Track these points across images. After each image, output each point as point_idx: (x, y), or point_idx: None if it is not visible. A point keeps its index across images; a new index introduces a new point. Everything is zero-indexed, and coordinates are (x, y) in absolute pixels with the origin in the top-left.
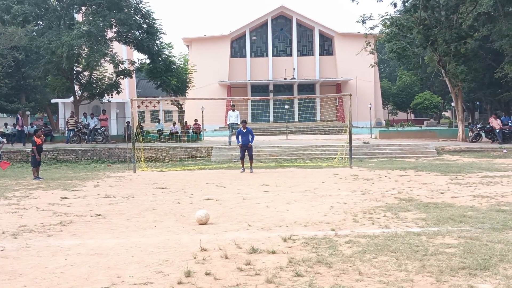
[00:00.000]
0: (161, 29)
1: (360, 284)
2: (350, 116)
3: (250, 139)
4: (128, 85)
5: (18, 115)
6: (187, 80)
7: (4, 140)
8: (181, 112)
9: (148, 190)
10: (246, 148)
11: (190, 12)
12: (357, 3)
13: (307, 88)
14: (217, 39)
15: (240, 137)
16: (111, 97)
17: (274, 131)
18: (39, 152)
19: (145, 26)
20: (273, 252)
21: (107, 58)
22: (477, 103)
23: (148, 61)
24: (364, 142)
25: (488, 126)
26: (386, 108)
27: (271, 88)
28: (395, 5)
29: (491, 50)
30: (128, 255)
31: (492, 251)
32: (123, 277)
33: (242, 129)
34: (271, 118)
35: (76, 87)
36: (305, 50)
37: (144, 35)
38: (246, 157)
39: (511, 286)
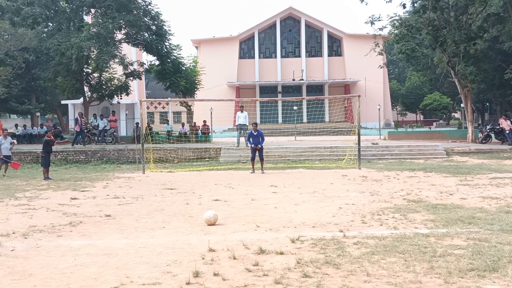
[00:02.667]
0: (169, 30)
1: (368, 285)
2: (359, 117)
3: (260, 141)
4: (137, 87)
5: (78, 116)
6: (196, 81)
7: (15, 141)
8: (190, 113)
9: (157, 191)
10: (257, 149)
11: (198, 14)
12: (366, 4)
13: (315, 89)
14: (226, 41)
15: (251, 139)
16: (121, 98)
17: (282, 132)
18: (50, 151)
19: (154, 27)
20: (281, 253)
21: (116, 60)
22: (487, 104)
23: (157, 62)
24: (373, 143)
25: (498, 127)
26: (395, 109)
27: (279, 89)
28: (404, 6)
29: (500, 51)
30: (137, 256)
31: (501, 253)
32: (132, 277)
33: (253, 131)
34: (280, 119)
35: (86, 89)
36: (314, 51)
37: (153, 36)
38: (256, 158)
39: None
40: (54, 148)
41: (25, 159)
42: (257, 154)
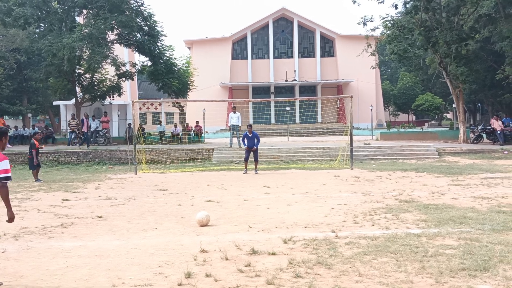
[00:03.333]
0: (162, 31)
1: (360, 286)
2: (351, 118)
3: (256, 142)
4: (129, 87)
5: (84, 117)
6: (189, 82)
7: None
8: (182, 114)
9: (149, 192)
10: (251, 150)
11: (191, 14)
12: (358, 5)
13: (308, 89)
14: (219, 41)
15: (246, 140)
16: (113, 99)
17: (275, 133)
18: (37, 153)
19: (146, 28)
20: (273, 254)
21: (109, 61)
22: (479, 104)
23: (149, 63)
24: (365, 144)
25: (489, 127)
26: (387, 109)
27: (272, 90)
28: (396, 6)
29: (492, 52)
30: (129, 257)
31: (492, 252)
32: (124, 278)
33: (247, 133)
34: (272, 120)
35: (78, 89)
36: (306, 51)
37: (145, 37)
38: (250, 159)
39: (511, 287)
40: (46, 149)
41: (16, 160)
42: (251, 155)
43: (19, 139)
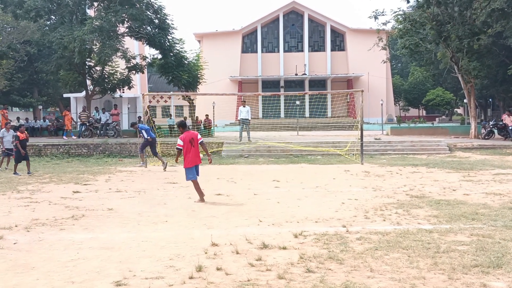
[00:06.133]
0: (172, 24)
1: (372, 281)
2: (362, 112)
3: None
4: (139, 80)
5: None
6: (199, 75)
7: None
8: (192, 107)
9: (160, 185)
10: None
11: (201, 8)
12: None
13: (318, 84)
14: (229, 35)
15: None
16: (123, 92)
17: (285, 127)
18: (23, 147)
19: (156, 21)
20: (284, 248)
21: (119, 53)
22: (490, 99)
23: (159, 56)
24: (376, 139)
25: (501, 123)
26: (397, 104)
27: (282, 83)
28: (408, 0)
29: (504, 47)
30: (140, 250)
31: (505, 249)
32: (135, 271)
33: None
34: (282, 114)
35: (88, 82)
36: (317, 45)
37: (156, 30)
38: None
39: None
40: (56, 141)
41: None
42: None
43: (30, 131)
